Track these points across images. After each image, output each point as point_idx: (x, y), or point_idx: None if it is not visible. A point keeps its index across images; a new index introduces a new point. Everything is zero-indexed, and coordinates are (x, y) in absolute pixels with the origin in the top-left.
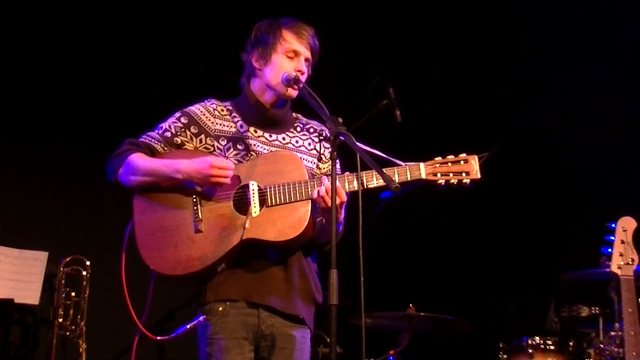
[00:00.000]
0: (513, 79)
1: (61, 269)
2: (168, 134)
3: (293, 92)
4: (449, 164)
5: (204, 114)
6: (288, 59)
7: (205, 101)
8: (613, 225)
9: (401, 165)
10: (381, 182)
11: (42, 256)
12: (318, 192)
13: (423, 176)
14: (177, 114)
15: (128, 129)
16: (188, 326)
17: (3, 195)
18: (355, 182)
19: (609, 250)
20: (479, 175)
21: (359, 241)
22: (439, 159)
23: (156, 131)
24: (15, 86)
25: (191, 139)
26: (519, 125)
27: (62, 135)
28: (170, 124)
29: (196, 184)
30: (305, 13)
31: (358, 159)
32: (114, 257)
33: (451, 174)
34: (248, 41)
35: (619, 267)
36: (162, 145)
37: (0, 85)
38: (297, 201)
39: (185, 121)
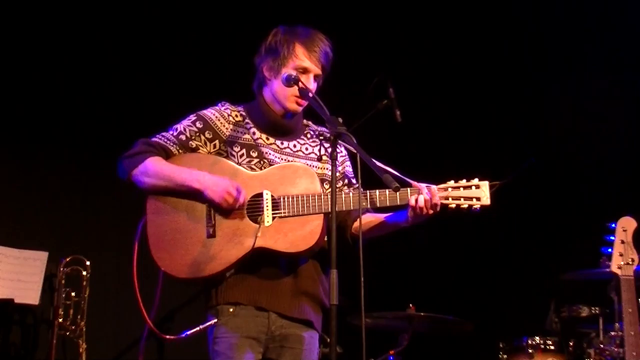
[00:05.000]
0: (513, 78)
1: (61, 269)
2: (183, 137)
3: (298, 108)
4: (461, 189)
5: (219, 119)
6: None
7: (219, 105)
8: (613, 225)
9: (414, 185)
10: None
11: (42, 256)
12: (417, 200)
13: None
14: (192, 117)
15: (129, 129)
16: (199, 328)
17: (3, 195)
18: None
19: (609, 250)
20: (489, 202)
21: (359, 241)
22: (451, 183)
23: (170, 132)
24: (15, 86)
25: (205, 143)
26: (519, 125)
27: (62, 135)
28: (185, 127)
29: (207, 195)
30: (306, 13)
31: (358, 158)
32: (114, 257)
33: (462, 199)
34: (262, 45)
35: (619, 267)
36: (177, 148)
37: (0, 85)
38: (310, 214)
39: (201, 126)
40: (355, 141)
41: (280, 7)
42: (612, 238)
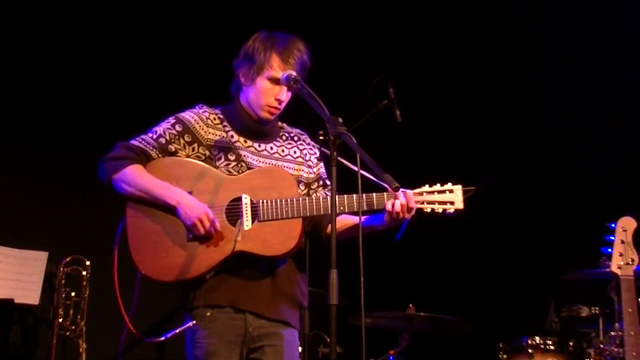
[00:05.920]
0: (513, 78)
1: (61, 269)
2: (162, 140)
3: (270, 117)
4: (435, 193)
5: (197, 122)
6: (271, 86)
7: (197, 108)
8: (613, 225)
9: (390, 190)
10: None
11: (42, 256)
12: (393, 204)
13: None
14: (171, 120)
15: (129, 130)
16: (177, 330)
17: (3, 195)
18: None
19: (609, 250)
20: (462, 206)
21: (359, 241)
22: (426, 187)
23: (150, 135)
24: (15, 87)
25: (184, 147)
26: (518, 125)
27: (61, 135)
28: (165, 130)
29: (180, 216)
30: (306, 13)
31: (358, 158)
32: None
33: (437, 204)
34: (242, 49)
35: (619, 267)
36: (157, 152)
37: (0, 85)
38: (289, 218)
39: (180, 129)
40: (355, 141)
41: (279, 7)
42: (612, 238)
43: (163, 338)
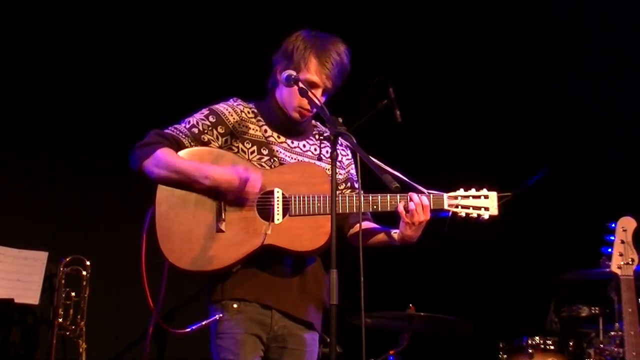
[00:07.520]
0: (513, 78)
1: (61, 269)
2: (195, 130)
3: (300, 118)
4: (470, 198)
5: (232, 115)
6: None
7: (231, 100)
8: (613, 225)
9: (424, 193)
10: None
11: (42, 256)
12: (406, 206)
13: (445, 206)
14: (205, 111)
15: (128, 130)
16: (205, 322)
17: (3, 196)
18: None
19: (609, 250)
20: (497, 213)
21: (359, 241)
22: (461, 191)
23: (183, 125)
24: (15, 87)
25: (217, 138)
26: (519, 125)
27: (61, 135)
28: (198, 120)
29: (224, 192)
30: (306, 13)
31: (358, 158)
32: (114, 257)
33: (471, 208)
34: (283, 45)
35: (619, 267)
36: (190, 141)
37: (0, 85)
38: (320, 214)
39: (213, 120)
40: (355, 141)
41: (280, 7)
42: (612, 238)
43: (190, 329)
